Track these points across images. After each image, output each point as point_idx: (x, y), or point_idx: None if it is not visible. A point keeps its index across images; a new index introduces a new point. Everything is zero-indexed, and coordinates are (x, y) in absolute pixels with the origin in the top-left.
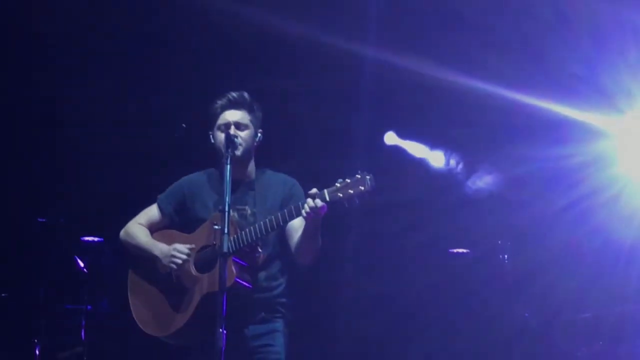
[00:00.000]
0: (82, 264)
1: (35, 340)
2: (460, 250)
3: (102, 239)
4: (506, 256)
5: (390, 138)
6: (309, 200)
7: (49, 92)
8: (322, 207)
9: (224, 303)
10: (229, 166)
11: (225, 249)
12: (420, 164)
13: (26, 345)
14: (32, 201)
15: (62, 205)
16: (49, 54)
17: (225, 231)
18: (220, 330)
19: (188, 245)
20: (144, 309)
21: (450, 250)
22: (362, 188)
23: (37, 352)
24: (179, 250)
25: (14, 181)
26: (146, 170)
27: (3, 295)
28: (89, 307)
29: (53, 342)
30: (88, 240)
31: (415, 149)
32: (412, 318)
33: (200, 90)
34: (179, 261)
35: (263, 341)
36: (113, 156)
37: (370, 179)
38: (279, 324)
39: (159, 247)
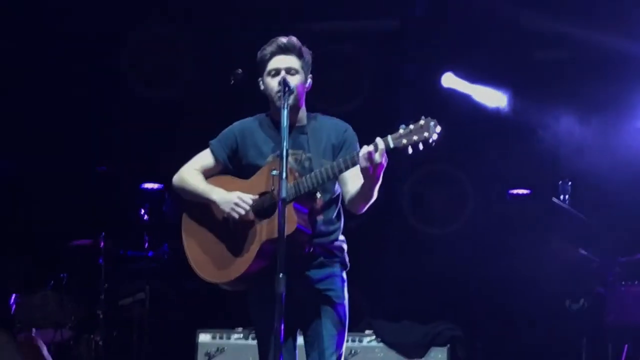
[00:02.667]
0: (143, 211)
1: (98, 287)
2: (520, 191)
3: (162, 186)
4: (567, 197)
5: (448, 80)
6: (366, 147)
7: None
8: (381, 159)
9: (284, 249)
10: (285, 111)
11: (284, 195)
12: (479, 104)
13: (90, 291)
14: (93, 150)
15: (122, 153)
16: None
17: (284, 176)
18: (281, 275)
19: (251, 195)
20: (200, 255)
21: (509, 191)
22: (427, 134)
23: (101, 297)
24: (242, 199)
25: (74, 131)
26: (203, 116)
27: (67, 243)
28: (150, 253)
29: (116, 288)
30: (148, 187)
31: (471, 89)
32: (470, 261)
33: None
34: (242, 211)
35: (323, 285)
36: (170, 103)
37: (434, 125)
38: (336, 269)
39: (218, 192)
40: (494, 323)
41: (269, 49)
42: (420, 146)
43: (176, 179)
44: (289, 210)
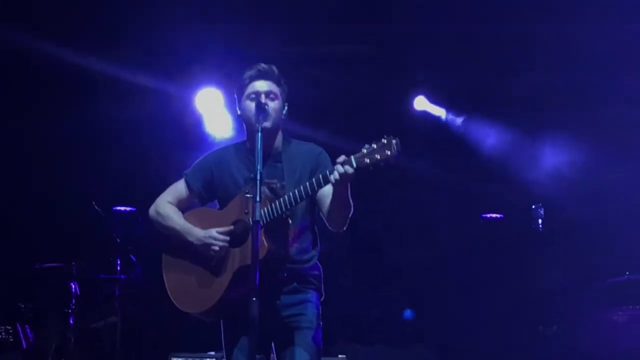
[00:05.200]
0: (115, 234)
1: (70, 310)
2: (493, 215)
3: (134, 209)
4: (540, 221)
5: (420, 103)
6: (338, 167)
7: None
8: (350, 174)
9: (257, 272)
10: (260, 134)
11: (257, 217)
12: (452, 129)
13: (61, 315)
14: (65, 173)
15: (94, 176)
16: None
17: (257, 199)
18: (254, 299)
19: (223, 229)
20: (178, 287)
21: (482, 215)
22: (389, 153)
23: (71, 321)
24: (215, 238)
25: (45, 154)
26: (176, 140)
27: (37, 266)
28: (122, 276)
29: (88, 312)
30: (121, 210)
31: (443, 113)
32: (444, 284)
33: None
34: (217, 248)
35: (295, 310)
36: (142, 124)
37: (396, 143)
38: (310, 295)
39: (193, 234)
40: (466, 348)
41: (248, 73)
42: (382, 164)
43: (152, 212)
44: (261, 236)
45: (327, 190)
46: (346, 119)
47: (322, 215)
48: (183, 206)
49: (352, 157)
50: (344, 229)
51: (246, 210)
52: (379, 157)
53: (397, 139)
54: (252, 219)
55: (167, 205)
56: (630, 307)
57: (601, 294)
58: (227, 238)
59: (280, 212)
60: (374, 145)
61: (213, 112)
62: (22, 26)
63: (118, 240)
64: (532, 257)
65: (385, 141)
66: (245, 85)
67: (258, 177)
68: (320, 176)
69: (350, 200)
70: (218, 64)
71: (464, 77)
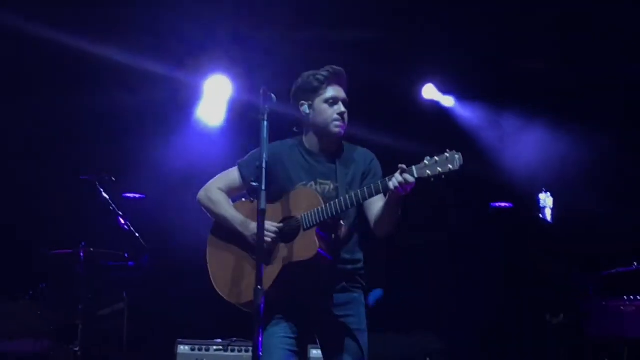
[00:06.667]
0: (123, 221)
1: (79, 297)
2: (502, 204)
3: (143, 195)
4: (547, 209)
5: (429, 91)
6: (397, 175)
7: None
8: (411, 184)
9: (261, 261)
10: (265, 123)
11: (262, 206)
12: (459, 116)
13: (70, 301)
14: (73, 160)
15: (103, 163)
16: None
17: (263, 188)
18: (259, 287)
19: (274, 223)
20: (223, 276)
21: (492, 204)
22: (451, 167)
23: (80, 307)
24: (267, 230)
25: (56, 140)
26: (185, 127)
27: (45, 253)
28: (130, 263)
29: (96, 298)
30: (129, 197)
31: (451, 101)
32: (452, 272)
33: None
34: (269, 240)
35: (344, 311)
36: (151, 111)
37: (459, 158)
38: (358, 294)
39: (243, 223)
40: (473, 336)
41: (323, 74)
42: (443, 177)
43: (203, 197)
44: (312, 235)
45: (376, 197)
46: (355, 106)
47: (368, 220)
48: (233, 195)
49: (413, 168)
50: (389, 235)
51: (298, 214)
52: (440, 170)
53: (460, 154)
54: (258, 208)
55: (218, 192)
56: (638, 297)
57: (609, 284)
58: (278, 231)
59: (333, 214)
60: (437, 158)
61: (219, 99)
62: (32, 14)
63: (126, 227)
64: (540, 246)
65: (448, 155)
66: (320, 87)
67: (264, 166)
68: (380, 183)
69: (400, 210)
70: (226, 51)
71: (470, 65)
